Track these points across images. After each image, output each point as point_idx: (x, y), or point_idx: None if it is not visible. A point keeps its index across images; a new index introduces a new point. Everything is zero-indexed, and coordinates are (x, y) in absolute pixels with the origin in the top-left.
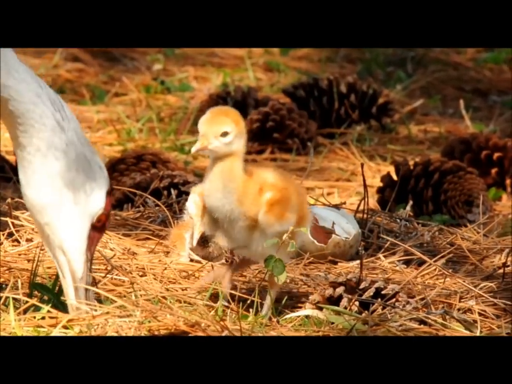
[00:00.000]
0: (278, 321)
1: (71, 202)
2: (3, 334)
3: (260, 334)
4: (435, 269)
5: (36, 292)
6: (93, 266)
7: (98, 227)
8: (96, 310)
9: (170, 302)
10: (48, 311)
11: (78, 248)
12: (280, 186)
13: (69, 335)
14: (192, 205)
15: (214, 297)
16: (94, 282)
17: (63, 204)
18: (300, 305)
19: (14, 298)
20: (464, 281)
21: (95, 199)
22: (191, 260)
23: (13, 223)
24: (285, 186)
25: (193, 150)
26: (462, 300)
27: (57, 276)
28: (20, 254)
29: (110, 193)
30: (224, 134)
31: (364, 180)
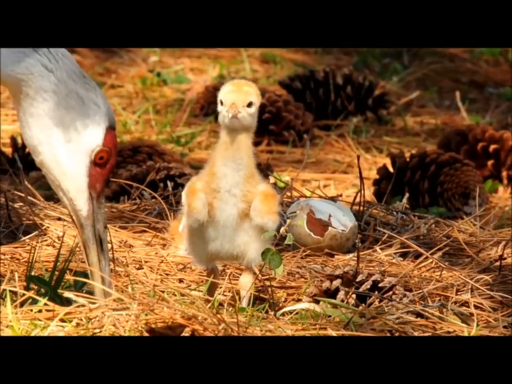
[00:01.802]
0: (275, 315)
1: (61, 140)
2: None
3: (257, 327)
4: (432, 262)
5: (33, 285)
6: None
7: (101, 164)
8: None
9: (167, 294)
10: (45, 304)
11: (77, 186)
12: (268, 184)
13: (66, 329)
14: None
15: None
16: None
17: (53, 142)
18: (296, 298)
19: (11, 291)
20: (460, 274)
21: (90, 135)
22: None
23: (9, 215)
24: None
25: (226, 121)
26: (458, 293)
27: (53, 269)
28: (16, 247)
29: (113, 128)
30: (250, 105)
31: (360, 172)
